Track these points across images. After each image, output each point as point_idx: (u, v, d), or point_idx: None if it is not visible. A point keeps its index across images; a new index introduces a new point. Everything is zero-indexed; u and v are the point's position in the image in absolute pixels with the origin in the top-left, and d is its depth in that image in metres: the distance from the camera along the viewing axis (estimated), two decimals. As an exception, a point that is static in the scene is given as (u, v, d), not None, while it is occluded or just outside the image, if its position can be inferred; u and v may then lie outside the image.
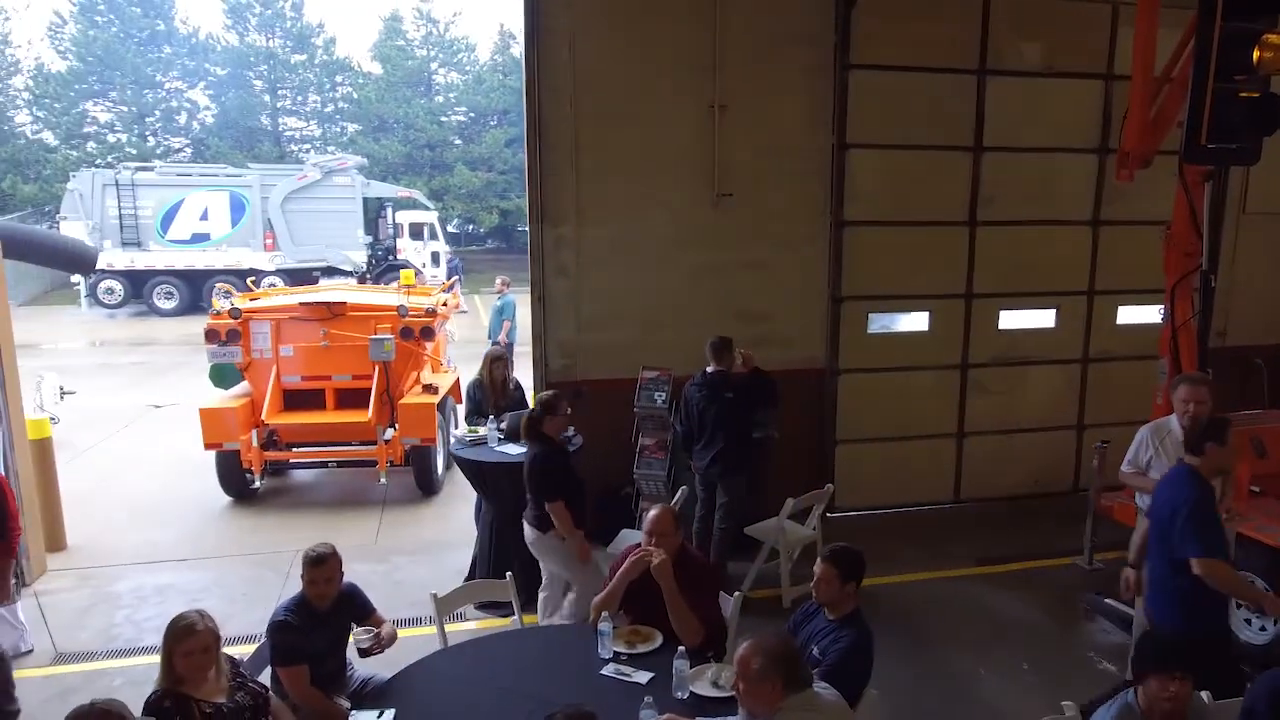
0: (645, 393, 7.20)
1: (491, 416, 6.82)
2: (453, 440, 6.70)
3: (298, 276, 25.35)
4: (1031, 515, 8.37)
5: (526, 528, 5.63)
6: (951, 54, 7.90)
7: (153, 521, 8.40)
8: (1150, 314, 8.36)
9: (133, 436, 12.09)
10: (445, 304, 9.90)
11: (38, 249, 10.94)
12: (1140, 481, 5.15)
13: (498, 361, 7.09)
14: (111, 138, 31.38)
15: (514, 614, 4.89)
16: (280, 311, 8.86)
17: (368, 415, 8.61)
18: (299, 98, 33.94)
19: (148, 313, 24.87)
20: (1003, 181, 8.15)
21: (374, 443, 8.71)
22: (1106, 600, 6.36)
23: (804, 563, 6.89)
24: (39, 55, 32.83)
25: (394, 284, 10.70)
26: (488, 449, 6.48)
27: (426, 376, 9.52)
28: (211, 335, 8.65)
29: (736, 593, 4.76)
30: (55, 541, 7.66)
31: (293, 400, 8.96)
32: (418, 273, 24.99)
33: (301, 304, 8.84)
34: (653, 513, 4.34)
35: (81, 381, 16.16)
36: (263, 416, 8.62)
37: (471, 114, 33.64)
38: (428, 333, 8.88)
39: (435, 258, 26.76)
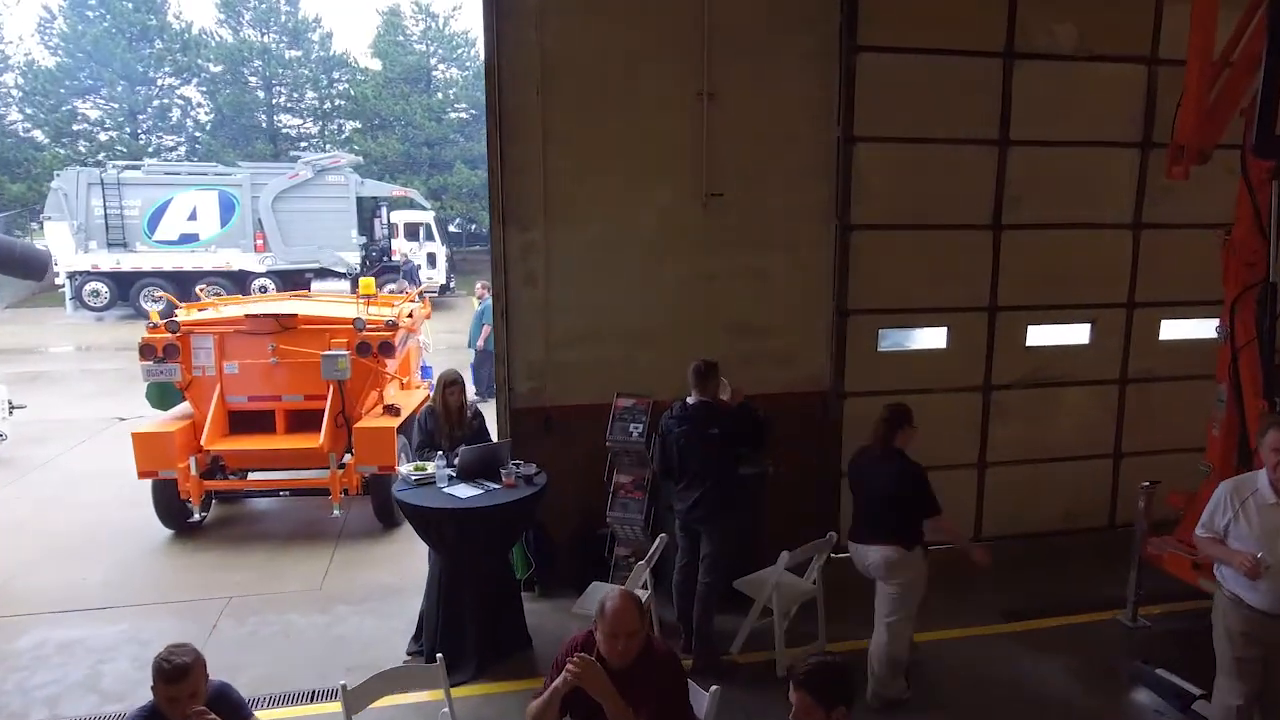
0: (620, 424, 6.29)
1: (441, 453, 5.91)
2: (397, 478, 5.82)
3: (289, 278, 24.64)
4: (1063, 555, 7.42)
5: (879, 548, 5.04)
6: (974, 34, 6.95)
7: (82, 558, 7.54)
8: (1199, 328, 7.41)
9: (88, 452, 11.27)
10: (411, 315, 9.00)
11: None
12: (1219, 551, 4.21)
13: (452, 386, 6.19)
14: (103, 136, 30.66)
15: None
16: (224, 324, 7.99)
17: (319, 440, 7.73)
18: (295, 94, 33.14)
19: (135, 316, 24.10)
20: (1032, 179, 7.20)
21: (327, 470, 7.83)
22: (1157, 671, 5.42)
23: (804, 619, 6.01)
24: (29, 51, 32.18)
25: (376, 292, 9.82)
26: (434, 491, 5.58)
27: (391, 395, 8.63)
28: (147, 351, 7.78)
29: (713, 688, 3.83)
30: (-41, 583, 6.82)
31: (240, 423, 8.09)
32: (410, 274, 24.17)
33: (248, 316, 7.96)
34: (611, 606, 3.42)
35: (55, 389, 15.50)
36: (203, 442, 7.74)
37: (472, 111, 32.76)
38: (387, 348, 7.98)
39: (431, 259, 25.89)
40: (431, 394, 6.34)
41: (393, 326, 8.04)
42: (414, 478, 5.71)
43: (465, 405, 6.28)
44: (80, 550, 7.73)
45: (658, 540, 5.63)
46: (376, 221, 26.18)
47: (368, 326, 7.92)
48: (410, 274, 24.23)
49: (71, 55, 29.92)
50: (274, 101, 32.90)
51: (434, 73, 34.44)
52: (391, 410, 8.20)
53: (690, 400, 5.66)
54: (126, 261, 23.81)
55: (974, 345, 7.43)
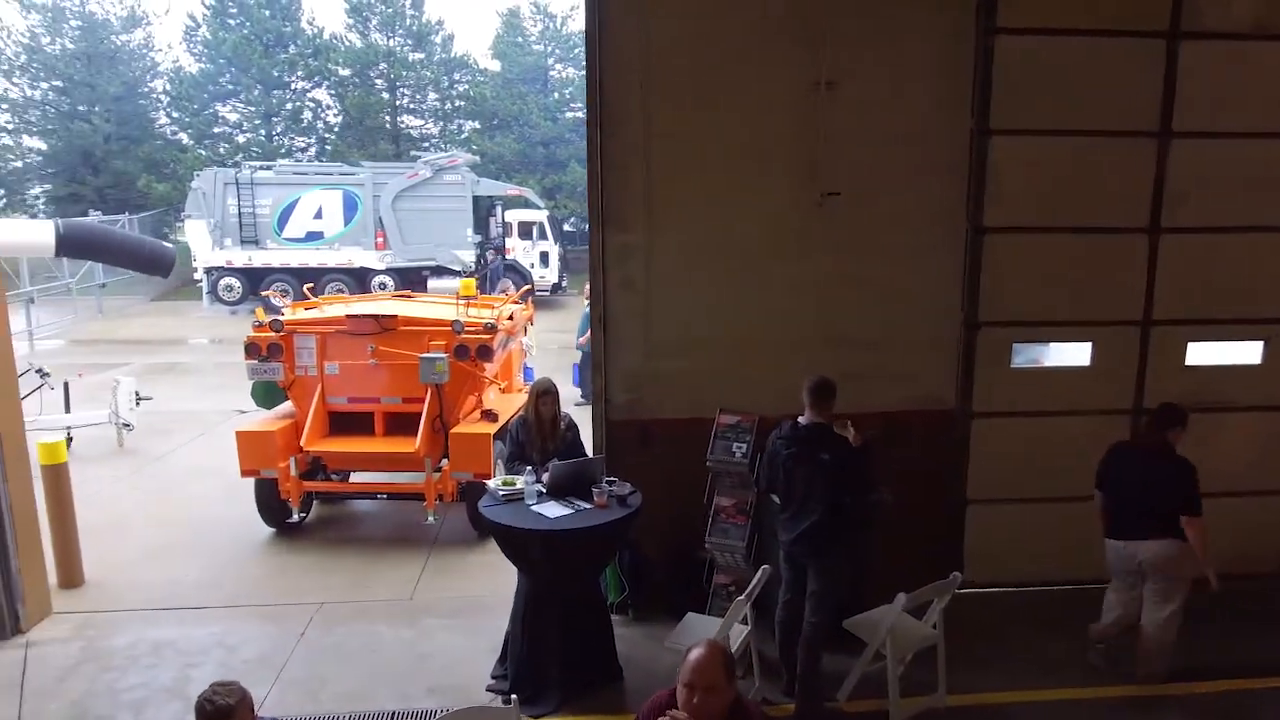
0: (722, 442, 5.82)
1: (531, 468, 5.59)
2: (485, 493, 5.53)
3: (407, 276, 25.16)
4: (1226, 604, 6.50)
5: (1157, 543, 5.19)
6: (1133, 12, 6.15)
7: (182, 555, 7.61)
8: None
9: (205, 445, 11.54)
10: (512, 317, 8.77)
11: (109, 249, 10.48)
12: None
13: (545, 396, 5.86)
14: (240, 138, 32.14)
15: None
16: (326, 324, 7.93)
17: (415, 444, 7.56)
18: (418, 96, 33.90)
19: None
20: (1198, 176, 6.34)
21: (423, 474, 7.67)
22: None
23: (920, 666, 5.41)
24: (177, 59, 34.07)
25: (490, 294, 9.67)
26: (521, 508, 5.26)
27: (491, 400, 8.41)
28: (251, 349, 7.79)
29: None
30: (71, 578, 6.94)
31: (339, 424, 8.02)
32: (495, 273, 24.12)
33: (348, 316, 7.87)
34: (694, 656, 3.00)
35: (187, 380, 16.15)
36: (303, 442, 7.70)
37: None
38: (485, 352, 7.75)
39: (545, 257, 25.98)
40: (525, 404, 6.02)
41: (491, 329, 7.81)
42: (501, 493, 5.41)
43: (559, 416, 5.95)
44: (181, 547, 7.81)
45: (760, 572, 5.14)
46: (491, 220, 26.47)
47: (466, 329, 7.70)
48: (495, 273, 24.19)
49: (214, 61, 31.48)
50: (398, 103, 33.75)
51: (551, 72, 34.63)
52: (489, 416, 7.98)
53: (803, 420, 5.15)
54: (257, 258, 24.80)
55: (1123, 363, 6.62)
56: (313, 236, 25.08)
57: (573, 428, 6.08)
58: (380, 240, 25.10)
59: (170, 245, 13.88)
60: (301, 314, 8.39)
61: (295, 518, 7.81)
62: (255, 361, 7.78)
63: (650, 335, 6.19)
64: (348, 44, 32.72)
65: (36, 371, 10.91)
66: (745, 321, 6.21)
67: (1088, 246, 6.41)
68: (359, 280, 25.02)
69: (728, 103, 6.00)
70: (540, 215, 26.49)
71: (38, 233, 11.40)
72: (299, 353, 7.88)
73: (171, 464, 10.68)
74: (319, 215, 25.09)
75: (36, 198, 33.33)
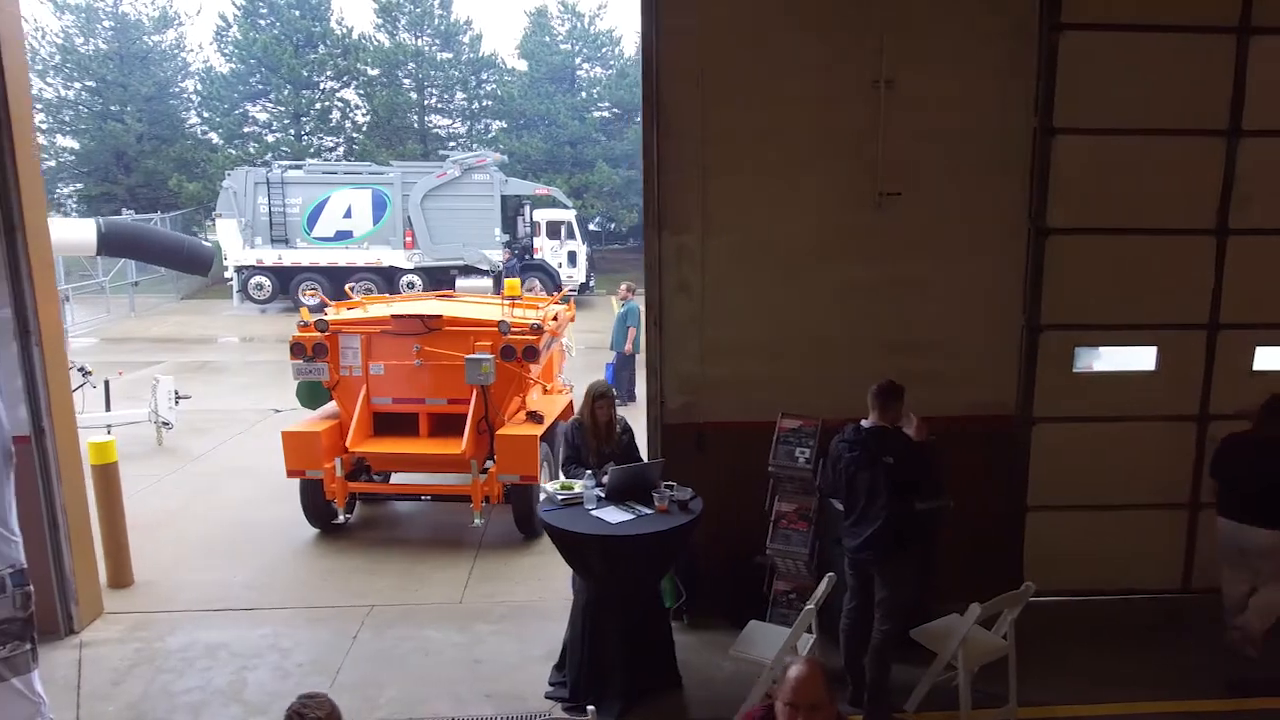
0: (784, 447, 5.72)
1: (590, 471, 5.52)
2: (542, 495, 5.46)
3: (435, 275, 25.22)
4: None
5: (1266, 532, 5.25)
6: (1201, 7, 6.00)
7: (229, 555, 7.60)
8: None
9: (243, 444, 11.59)
10: (556, 318, 8.70)
11: (149, 248, 10.53)
12: None
13: (602, 400, 5.78)
14: (270, 137, 32.33)
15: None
16: (371, 324, 7.89)
17: (461, 446, 7.51)
18: (446, 95, 33.96)
19: (294, 309, 25.20)
20: (1269, 176, 6.17)
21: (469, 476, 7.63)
22: None
23: (987, 677, 5.28)
24: (207, 59, 34.34)
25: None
26: (581, 513, 5.18)
27: (534, 401, 8.35)
28: (296, 349, 7.76)
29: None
30: (121, 577, 6.94)
31: (383, 425, 7.98)
32: (510, 271, 24.03)
33: (394, 316, 7.83)
34: (796, 674, 2.91)
35: (220, 379, 16.22)
36: (347, 443, 7.66)
37: (615, 110, 32.73)
38: (531, 353, 7.68)
39: (572, 257, 25.94)
40: (579, 407, 5.94)
41: (538, 330, 7.75)
42: (560, 497, 5.33)
43: (614, 420, 5.87)
44: (228, 547, 7.80)
45: (825, 580, 5.03)
46: (519, 219, 26.47)
47: (512, 330, 7.64)
48: (510, 272, 24.14)
49: (244, 61, 31.68)
50: (425, 103, 33.82)
51: (578, 72, 34.60)
52: (534, 417, 7.91)
53: (866, 423, 5.05)
54: (287, 257, 24.93)
55: (1188, 368, 6.45)
56: (342, 235, 25.18)
57: (628, 431, 6.01)
58: (409, 239, 25.17)
59: (209, 244, 14.00)
60: (344, 314, 8.35)
61: (341, 519, 7.77)
62: (300, 361, 7.75)
63: (705, 338, 6.09)
64: (376, 44, 32.82)
65: (79, 370, 10.95)
66: (801, 325, 6.11)
67: (1153, 248, 6.26)
68: (387, 279, 25.11)
69: (785, 102, 5.90)
70: (568, 215, 26.47)
71: (80, 231, 11.53)
72: (344, 353, 7.84)
73: (211, 463, 10.70)
74: (348, 214, 25.19)
75: (69, 196, 33.67)
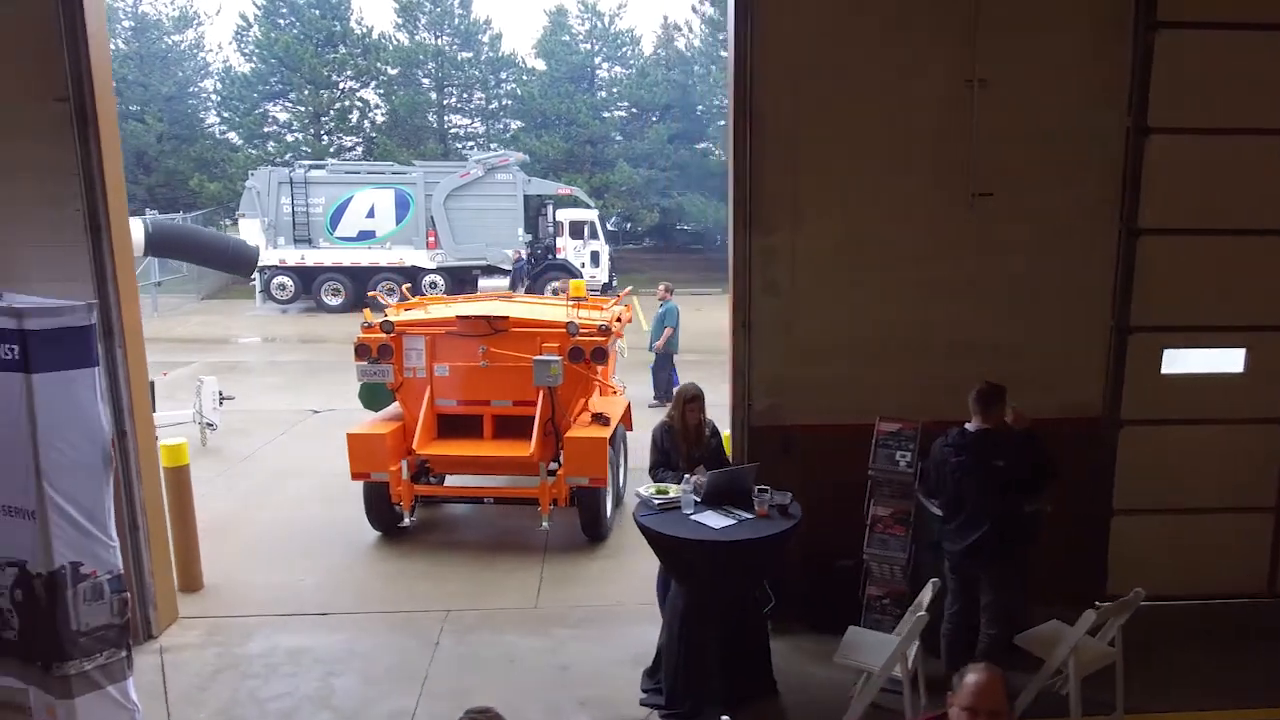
0: (884, 451, 5.63)
1: (688, 476, 5.43)
2: (636, 499, 5.37)
3: (457, 275, 25.19)
4: None
5: None
6: (1301, 5, 5.91)
7: (293, 558, 7.53)
8: None
9: (287, 445, 11.54)
10: (619, 319, 8.62)
11: (195, 248, 10.47)
12: None
13: (693, 403, 5.69)
14: (289, 137, 32.29)
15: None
16: (436, 326, 7.81)
17: (530, 448, 7.43)
18: (465, 95, 33.92)
19: (316, 309, 25.21)
20: (1366, 176, 6.08)
21: (536, 478, 7.55)
22: None
23: (1093, 685, 5.19)
24: (227, 59, 34.32)
25: (561, 293, 9.56)
26: (682, 519, 5.09)
27: (595, 403, 8.27)
28: (361, 351, 7.69)
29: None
30: (191, 581, 6.87)
31: (447, 426, 7.91)
32: (519, 272, 23.91)
33: (459, 318, 7.75)
34: (975, 680, 2.85)
35: (247, 380, 16.16)
36: (414, 445, 7.59)
37: (634, 109, 32.65)
38: (600, 355, 7.61)
39: (595, 257, 25.86)
40: (669, 409, 5.85)
41: (605, 332, 7.67)
42: (657, 501, 5.25)
43: (704, 422, 5.79)
44: (290, 550, 7.73)
45: (929, 586, 4.95)
46: (542, 220, 26.42)
47: (580, 331, 7.56)
48: (519, 272, 24.00)
49: (265, 61, 31.64)
50: (445, 102, 33.78)
51: (598, 71, 34.52)
52: (600, 419, 7.83)
53: (971, 427, 4.98)
54: (310, 257, 24.90)
55: (1278, 370, 6.36)
56: (365, 235, 25.14)
57: (716, 434, 5.93)
58: (432, 239, 25.12)
59: (254, 245, 13.89)
60: (406, 315, 8.28)
61: (406, 522, 7.69)
62: (364, 363, 7.68)
63: (793, 339, 6.01)
64: (396, 43, 32.78)
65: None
66: (891, 326, 6.02)
67: (1244, 248, 6.16)
68: (410, 279, 25.03)
69: (876, 101, 5.82)
70: (591, 214, 26.40)
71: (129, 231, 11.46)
72: (408, 354, 7.77)
73: (258, 464, 10.64)
74: (371, 214, 25.16)
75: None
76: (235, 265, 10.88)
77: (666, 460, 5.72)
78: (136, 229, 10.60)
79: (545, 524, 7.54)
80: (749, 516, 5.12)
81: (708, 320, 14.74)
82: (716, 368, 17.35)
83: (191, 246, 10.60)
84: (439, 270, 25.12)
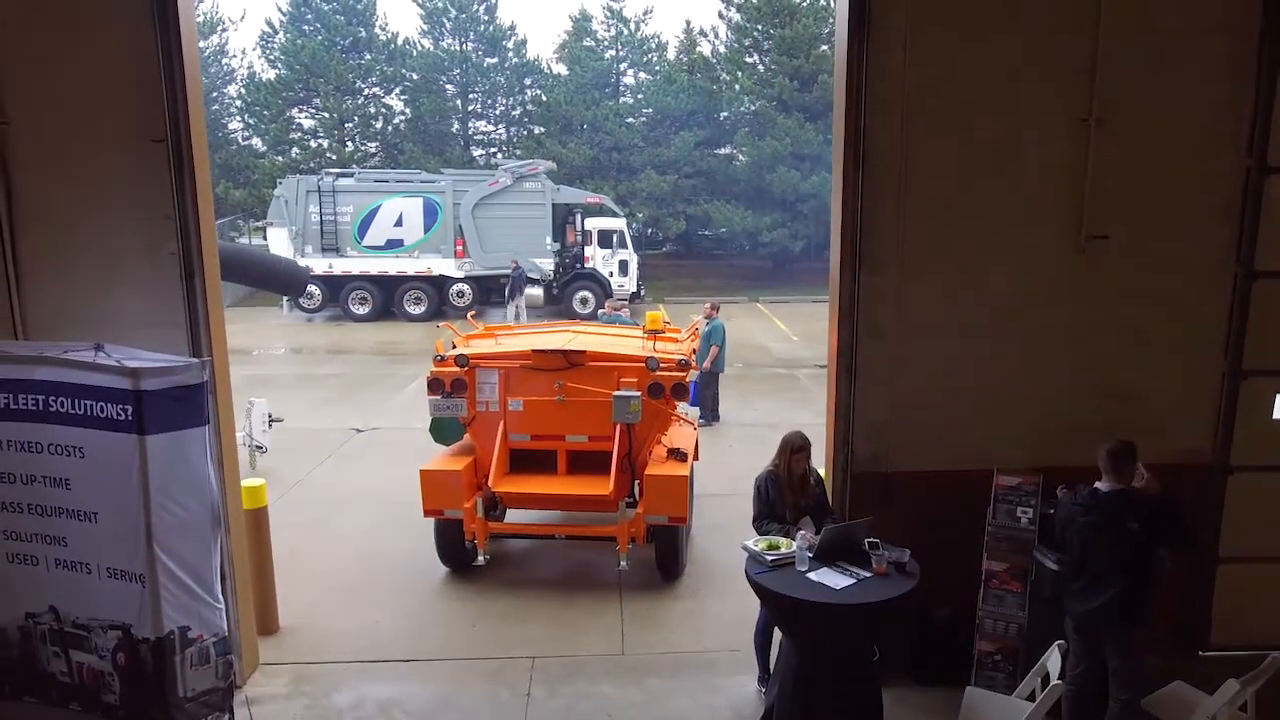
0: (1004, 506, 5.45)
1: (802, 534, 5.25)
2: (744, 553, 5.20)
3: (485, 284, 25.07)
4: None
5: None
6: None
7: (366, 597, 7.38)
8: None
9: (338, 469, 11.41)
10: (694, 351, 8.45)
11: (250, 270, 10.34)
12: None
13: (799, 452, 5.53)
14: (314, 144, 32.20)
15: None
16: (510, 359, 7.66)
17: (608, 486, 7.27)
18: (489, 101, 33.80)
19: (343, 318, 25.13)
20: None
21: (613, 516, 7.39)
22: None
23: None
24: (251, 65, 34.26)
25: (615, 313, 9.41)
26: (799, 578, 4.92)
27: (670, 436, 8.09)
28: (435, 385, 7.53)
29: None
30: (267, 624, 6.72)
31: (519, 461, 7.75)
32: (519, 281, 23.57)
33: (535, 351, 7.59)
34: None
35: (284, 396, 16.03)
36: (489, 482, 7.44)
37: (658, 115, 32.46)
38: (680, 390, 7.44)
39: (624, 266, 25.68)
40: (776, 459, 5.67)
41: (685, 366, 7.50)
42: (770, 558, 5.07)
43: (809, 471, 5.62)
44: (362, 588, 7.57)
45: (1055, 649, 4.79)
46: (570, 228, 26.27)
47: (660, 366, 7.40)
48: (519, 281, 23.74)
49: (290, 67, 31.55)
50: (468, 108, 33.67)
51: (624, 78, 34.35)
52: (677, 455, 7.67)
53: (1103, 487, 4.79)
54: (338, 265, 24.82)
55: (1395, 415, 6.16)
56: (393, 244, 25.05)
57: (820, 482, 5.76)
58: (460, 248, 25.01)
59: (304, 265, 13.74)
60: (475, 346, 8.13)
61: (480, 559, 7.52)
62: (438, 398, 7.52)
63: (897, 384, 5.83)
64: (420, 49, 32.67)
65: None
66: (999, 371, 5.84)
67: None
68: (437, 289, 24.97)
69: (988, 141, 5.64)
70: (619, 223, 26.24)
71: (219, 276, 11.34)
72: (481, 388, 7.62)
73: (312, 490, 10.50)
74: (399, 223, 25.07)
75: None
76: (288, 286, 10.75)
77: (771, 511, 5.56)
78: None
79: (623, 563, 7.37)
80: (867, 575, 4.95)
81: (737, 329, 14.57)
82: (757, 381, 17.45)
83: (247, 268, 10.46)
84: (466, 279, 25.01)
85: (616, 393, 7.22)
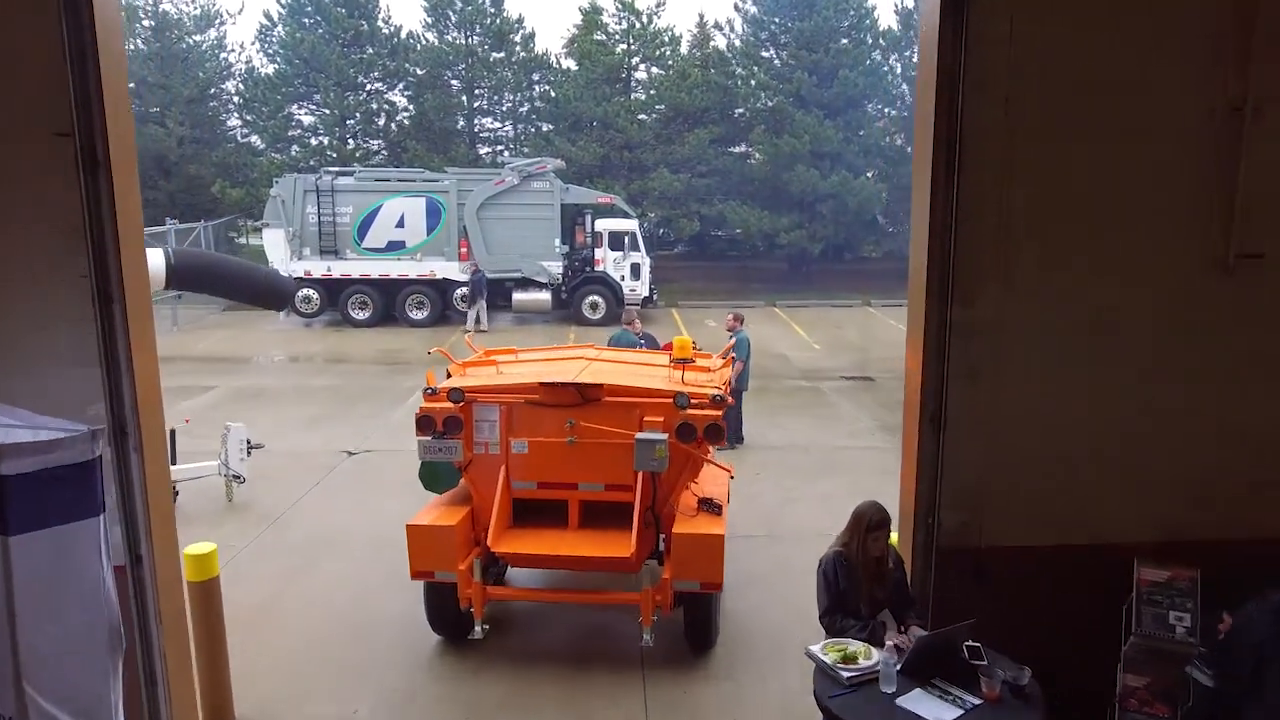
0: (1151, 609, 4.26)
1: (891, 644, 4.08)
2: (813, 669, 4.05)
3: (491, 288, 23.96)
4: None
5: None
6: None
7: (345, 676, 6.23)
8: None
9: (323, 500, 10.27)
10: (728, 382, 7.27)
11: (225, 281, 9.20)
12: None
13: (878, 530, 4.36)
14: (314, 141, 31.10)
15: None
16: (513, 393, 6.51)
17: (629, 547, 6.12)
18: (495, 97, 32.64)
19: (342, 322, 24.05)
20: None
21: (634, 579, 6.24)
22: None
23: None
24: (250, 59, 33.18)
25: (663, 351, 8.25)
26: (888, 705, 3.76)
27: (699, 482, 6.92)
28: (425, 424, 6.37)
29: None
30: (220, 714, 5.58)
31: (523, 513, 6.60)
32: (479, 285, 22.57)
33: (543, 385, 6.43)
34: None
35: (274, 411, 14.94)
36: (488, 542, 6.29)
37: (671, 112, 31.23)
38: (715, 432, 6.27)
39: (635, 270, 24.48)
40: (846, 538, 4.49)
41: (720, 403, 6.32)
42: (846, 675, 3.91)
43: (888, 552, 4.45)
44: (336, 660, 6.43)
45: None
46: (579, 230, 25.13)
47: (691, 403, 6.23)
48: (478, 286, 22.72)
49: (289, 62, 30.45)
50: (474, 105, 32.53)
51: (636, 73, 33.14)
52: (710, 507, 6.50)
53: (1295, 592, 3.62)
54: (337, 268, 23.75)
55: None
56: (394, 246, 23.96)
57: (900, 564, 4.59)
58: (464, 250, 23.90)
59: (288, 277, 12.60)
60: (471, 377, 6.98)
61: (478, 631, 6.35)
62: (429, 439, 6.37)
63: (997, 438, 4.67)
64: (425, 43, 31.52)
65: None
66: (1124, 420, 4.67)
67: None
68: (441, 293, 23.88)
69: (1113, 140, 4.47)
70: (631, 224, 25.03)
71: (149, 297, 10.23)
72: (479, 426, 6.48)
73: (292, 527, 9.37)
74: (401, 224, 23.98)
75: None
76: (269, 299, 9.62)
77: (842, 603, 4.39)
78: (155, 259, 9.36)
79: (647, 638, 6.19)
80: (975, 701, 3.79)
81: (755, 337, 13.39)
82: (780, 395, 16.20)
83: (220, 279, 9.32)
84: (469, 283, 23.89)
85: (639, 435, 6.05)
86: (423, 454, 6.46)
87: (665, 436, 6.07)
